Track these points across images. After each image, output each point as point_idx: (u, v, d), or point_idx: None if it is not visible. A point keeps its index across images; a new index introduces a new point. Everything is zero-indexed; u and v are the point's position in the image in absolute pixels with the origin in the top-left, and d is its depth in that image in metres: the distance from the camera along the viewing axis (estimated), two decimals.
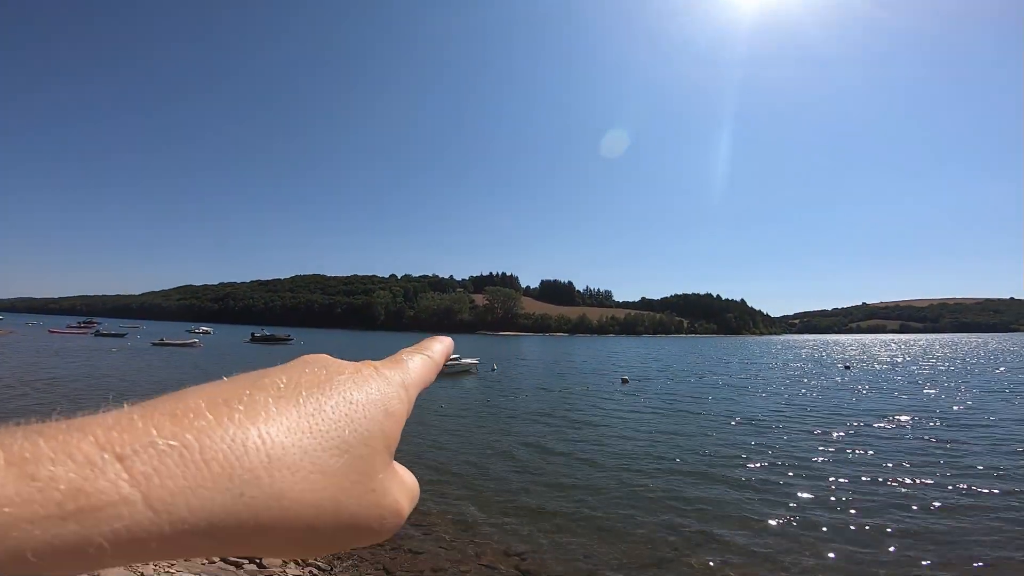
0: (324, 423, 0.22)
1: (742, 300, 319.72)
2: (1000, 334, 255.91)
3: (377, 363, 0.31)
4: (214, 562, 4.74)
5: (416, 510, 5.35)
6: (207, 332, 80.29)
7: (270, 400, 0.22)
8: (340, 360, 0.29)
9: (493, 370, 28.32)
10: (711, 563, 4.89)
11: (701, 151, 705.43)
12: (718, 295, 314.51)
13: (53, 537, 0.14)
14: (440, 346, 0.39)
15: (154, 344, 43.43)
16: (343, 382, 0.26)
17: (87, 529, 0.15)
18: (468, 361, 27.63)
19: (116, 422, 0.18)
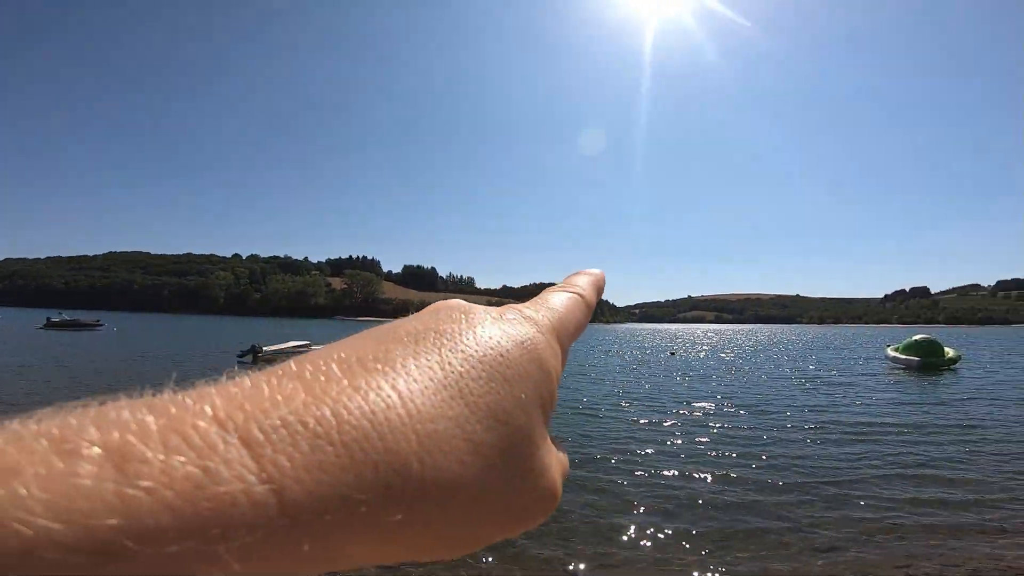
0: (476, 384, 0.18)
1: None
2: (788, 325, 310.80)
3: (522, 305, 0.25)
4: None
5: None
6: None
7: (409, 356, 0.17)
8: (477, 304, 0.24)
9: None
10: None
11: (561, 148, 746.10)
12: None
13: (166, 557, 0.11)
14: (587, 279, 0.32)
15: None
16: (490, 331, 0.20)
17: (207, 545, 0.11)
18: (320, 347, 26.01)
19: (239, 390, 0.14)
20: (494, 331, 0.20)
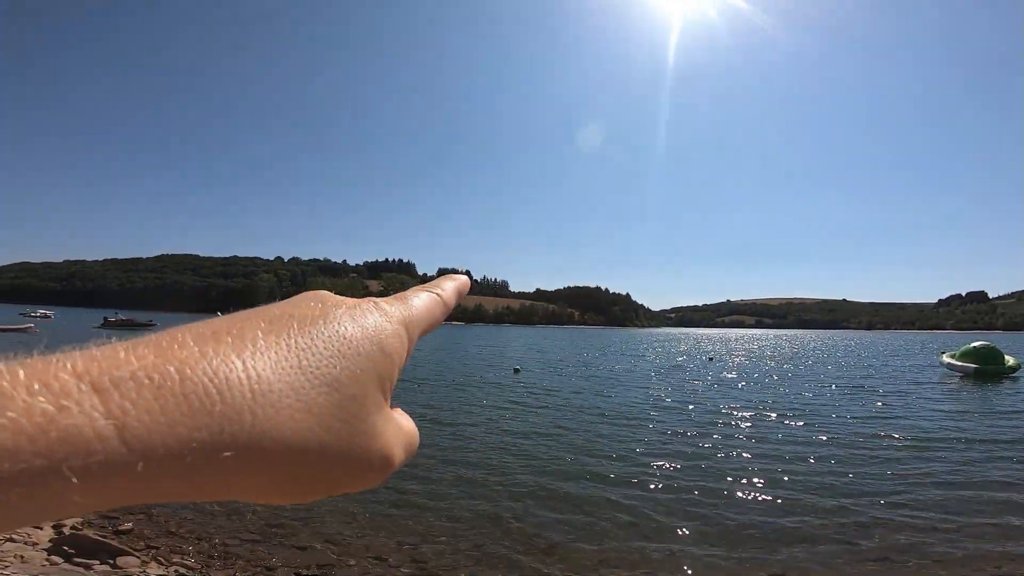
0: (314, 358, 0.21)
1: (627, 294, 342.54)
2: (834, 330, 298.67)
3: (379, 299, 0.29)
4: (56, 564, 4.26)
5: (300, 506, 5.13)
6: (46, 316, 69.49)
7: (259, 333, 0.21)
8: (339, 296, 0.28)
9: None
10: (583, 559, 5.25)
11: (596, 152, 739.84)
12: (606, 288, 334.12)
13: (20, 472, 0.13)
14: (452, 284, 0.36)
15: None
16: (339, 316, 0.24)
17: (56, 463, 0.14)
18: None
19: (98, 353, 0.17)
20: (342, 316, 0.24)
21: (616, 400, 14.53)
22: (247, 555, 4.93)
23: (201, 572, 4.55)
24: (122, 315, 62.01)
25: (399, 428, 0.26)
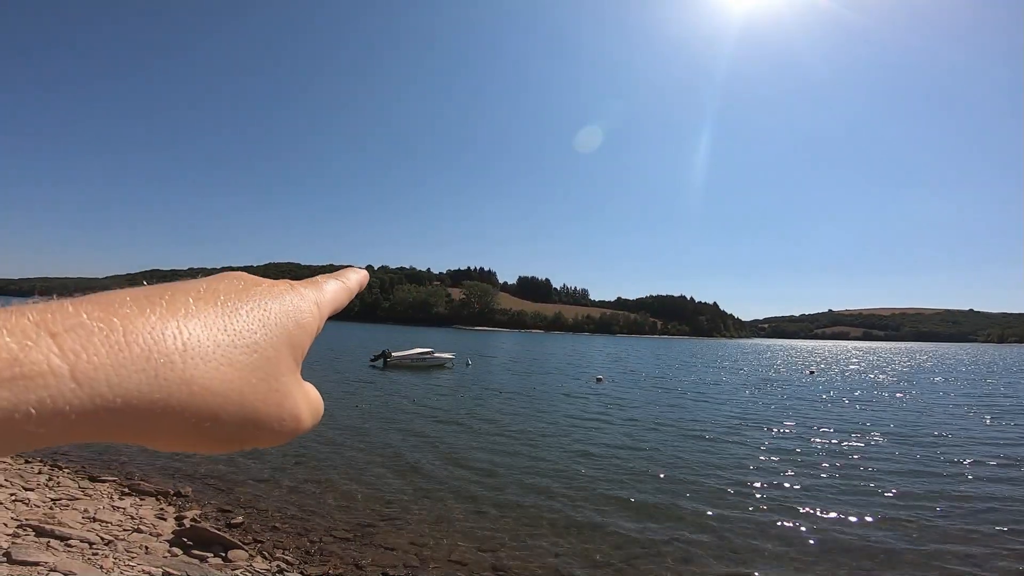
0: (238, 323, 0.24)
1: (714, 303, 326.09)
2: (959, 344, 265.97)
3: (294, 282, 0.33)
4: (176, 555, 4.67)
5: (389, 502, 5.33)
6: None
7: (190, 299, 0.23)
8: (256, 276, 0.31)
9: (467, 365, 28.22)
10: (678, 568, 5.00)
11: (681, 155, 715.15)
12: (691, 297, 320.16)
13: None
14: (356, 275, 0.42)
15: None
16: (260, 292, 0.27)
17: (16, 396, 0.16)
18: (442, 355, 27.45)
19: (51, 307, 0.19)
20: (263, 292, 0.28)
21: (703, 415, 13.76)
22: (340, 552, 5.18)
23: (299, 568, 4.81)
24: None
25: (307, 394, 0.29)
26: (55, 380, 0.16)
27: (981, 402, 17.47)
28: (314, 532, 5.57)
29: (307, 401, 0.28)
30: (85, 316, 0.19)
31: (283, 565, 4.78)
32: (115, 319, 0.19)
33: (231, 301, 0.25)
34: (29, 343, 0.17)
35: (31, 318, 0.18)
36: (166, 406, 0.19)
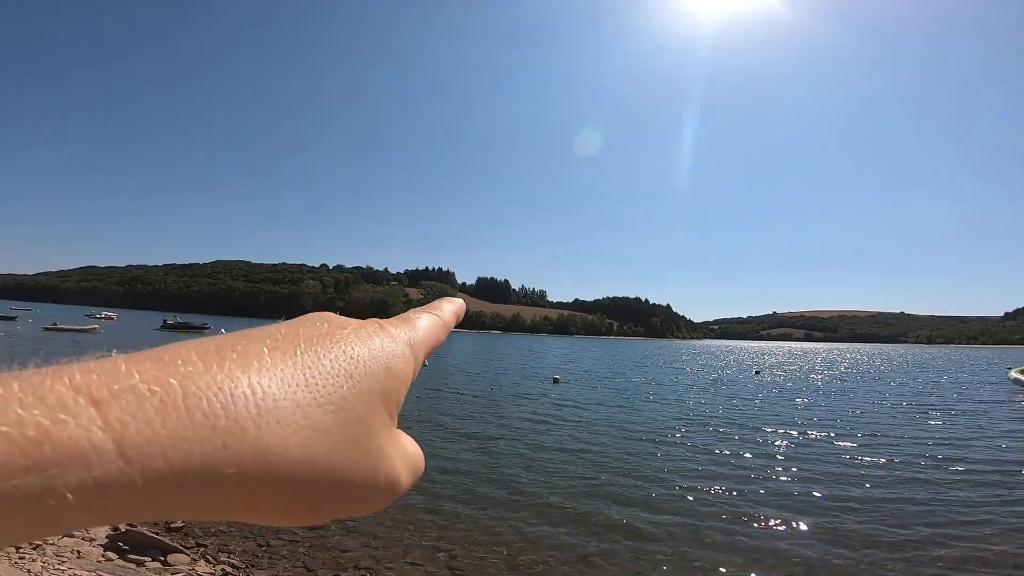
0: (321, 377, 0.21)
1: (668, 305, 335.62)
2: (891, 345, 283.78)
3: (383, 320, 0.29)
4: (111, 560, 4.44)
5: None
6: (110, 318, 73.72)
7: (265, 350, 0.20)
8: (344, 316, 0.27)
9: (424, 365, 27.82)
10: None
11: (638, 162, 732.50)
12: (646, 299, 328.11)
13: (13, 488, 0.13)
14: (450, 306, 0.36)
15: (46, 329, 39.04)
16: (345, 337, 0.24)
17: (50, 480, 0.13)
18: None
19: (97, 366, 0.16)
20: (348, 336, 0.24)
21: (652, 415, 14.17)
22: (289, 556, 5.04)
23: (245, 572, 4.66)
24: (179, 318, 65.27)
25: (405, 450, 0.25)
26: (97, 458, 0.14)
27: (910, 401, 18.67)
28: (261, 535, 5.40)
29: (405, 459, 0.25)
30: (137, 377, 0.16)
31: (228, 569, 4.63)
32: (173, 379, 0.16)
33: (312, 349, 0.22)
34: (65, 416, 0.14)
35: (70, 382, 0.15)
36: (238, 483, 0.17)
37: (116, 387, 0.15)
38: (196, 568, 4.54)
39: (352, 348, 0.23)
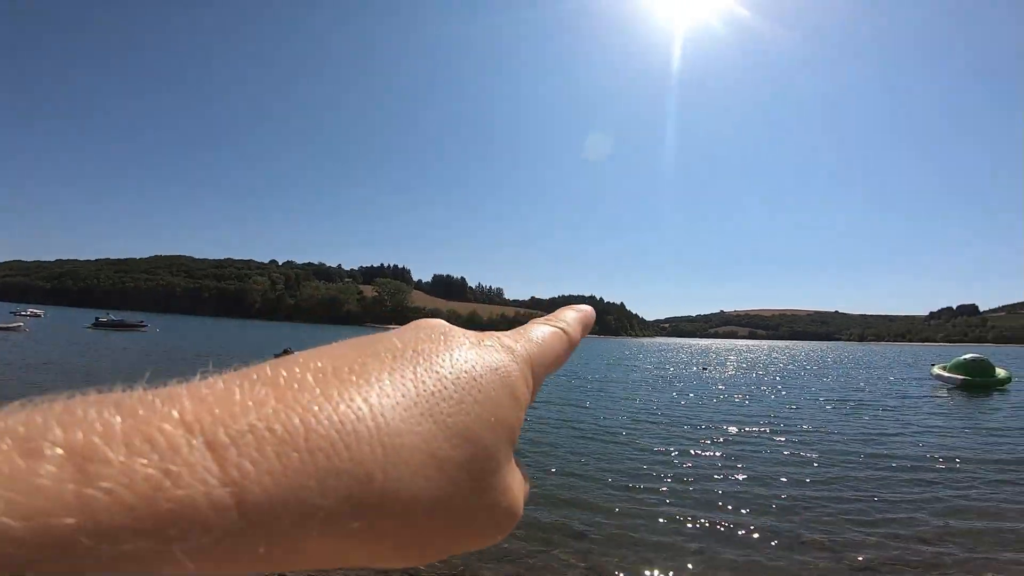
0: (447, 403, 0.18)
1: (621, 304, 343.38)
2: (827, 342, 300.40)
3: (503, 334, 0.26)
4: None
5: None
6: (36, 315, 68.78)
7: (385, 372, 0.18)
8: (460, 328, 0.25)
9: None
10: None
11: (591, 163, 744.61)
12: (600, 298, 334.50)
13: (122, 555, 0.11)
14: (575, 315, 0.32)
15: None
16: (466, 355, 0.21)
17: (163, 545, 0.11)
18: (299, 353, 26.35)
19: (210, 393, 0.14)
20: (470, 355, 0.21)
21: (600, 412, 14.41)
22: None
23: None
24: (113, 316, 61.35)
25: (522, 480, 0.23)
26: (217, 518, 0.12)
27: (841, 397, 19.70)
28: None
29: (522, 488, 0.23)
30: (255, 412, 0.14)
31: None
32: (294, 415, 0.14)
33: (433, 370, 0.19)
34: (179, 465, 0.12)
35: (181, 416, 0.13)
36: (360, 533, 0.15)
37: (234, 427, 0.13)
38: None
39: (474, 368, 0.21)
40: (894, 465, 8.74)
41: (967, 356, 22.69)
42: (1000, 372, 21.46)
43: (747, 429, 11.98)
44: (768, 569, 4.94)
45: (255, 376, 0.16)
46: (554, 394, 17.47)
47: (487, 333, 0.25)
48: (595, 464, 8.38)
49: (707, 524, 6.04)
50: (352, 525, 0.15)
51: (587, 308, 0.34)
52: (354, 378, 0.17)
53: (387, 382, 0.17)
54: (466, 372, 0.20)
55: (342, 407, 0.15)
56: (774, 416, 14.32)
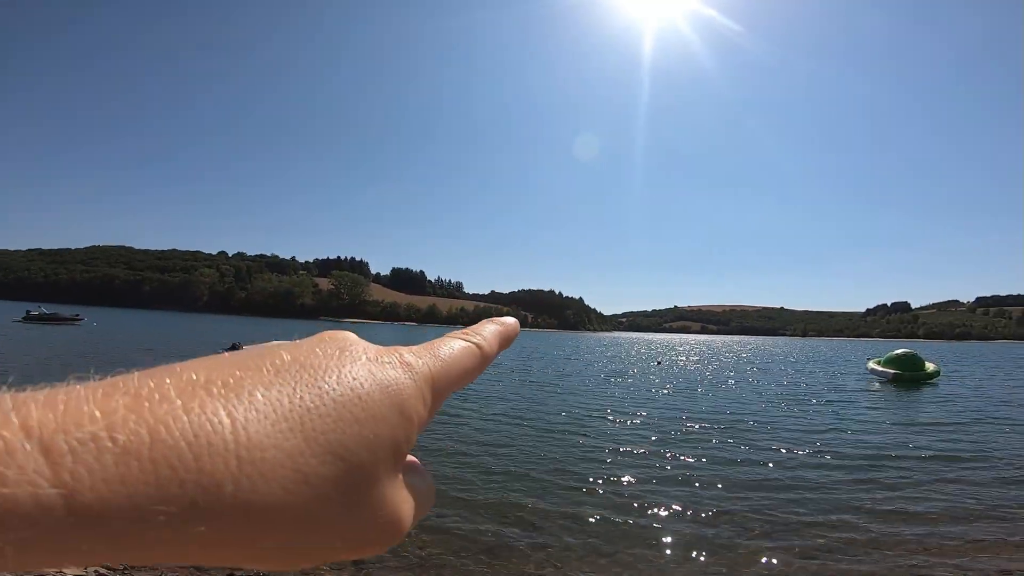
0: (321, 420, 0.18)
1: (580, 298, 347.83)
2: (772, 337, 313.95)
3: (406, 349, 0.25)
4: None
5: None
6: None
7: (259, 386, 0.18)
8: (364, 342, 0.24)
9: None
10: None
11: (554, 160, 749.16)
12: (560, 292, 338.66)
13: None
14: (494, 328, 0.31)
15: None
16: (356, 370, 0.21)
17: None
18: (181, 363, 25.39)
19: (63, 400, 0.14)
20: (360, 372, 0.21)
21: (556, 407, 14.45)
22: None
23: (123, 572, 4.21)
24: (45, 308, 57.22)
25: (409, 494, 0.23)
26: (43, 516, 0.13)
27: (784, 390, 20.51)
28: None
29: (409, 502, 0.23)
30: (101, 422, 0.14)
31: (102, 570, 4.17)
32: (142, 426, 0.15)
33: (315, 385, 0.19)
34: (9, 467, 0.12)
35: (24, 422, 0.13)
36: (209, 538, 0.15)
37: (75, 435, 0.14)
38: (64, 569, 4.04)
39: (361, 385, 0.21)
40: (827, 459, 8.91)
41: (899, 351, 24.03)
42: (929, 366, 22.82)
43: (692, 423, 12.15)
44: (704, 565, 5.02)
45: (120, 385, 0.16)
46: (508, 389, 17.48)
47: (390, 348, 0.25)
48: (538, 463, 8.28)
49: (645, 515, 6.07)
50: (197, 529, 0.15)
51: (510, 321, 0.33)
52: (224, 391, 0.17)
53: (259, 396, 0.17)
54: (351, 389, 0.20)
55: (200, 419, 0.16)
56: (720, 409, 14.67)
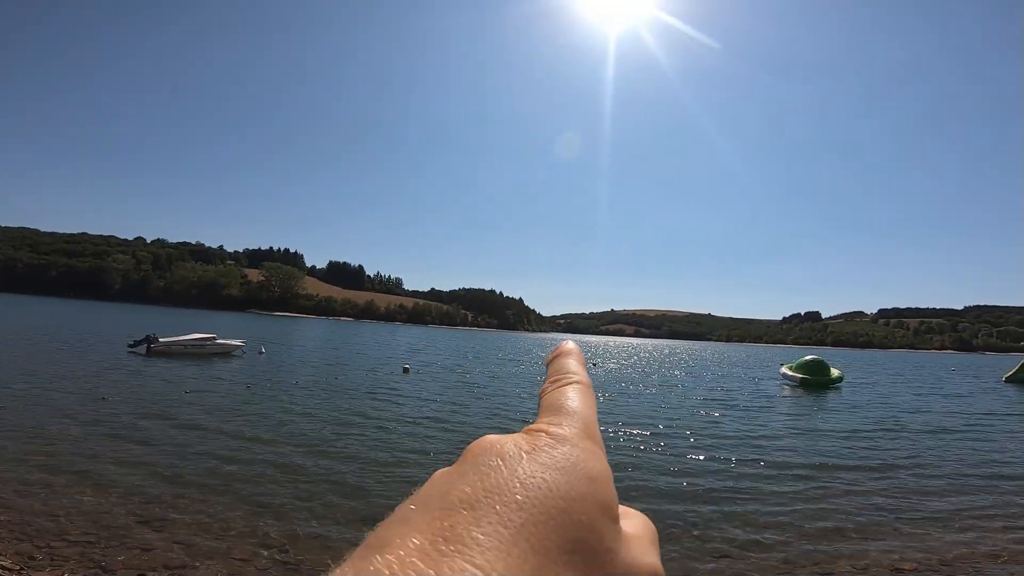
0: (538, 530, 0.18)
1: (520, 299, 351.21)
2: (699, 341, 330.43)
3: (544, 423, 0.25)
4: None
5: (148, 503, 4.73)
6: None
7: (474, 527, 0.18)
8: (505, 437, 0.24)
9: (261, 354, 25.62)
10: None
11: (494, 162, 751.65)
12: (500, 292, 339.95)
13: None
14: (575, 361, 0.33)
15: None
16: (530, 469, 0.21)
17: None
18: (229, 342, 24.42)
19: None
20: (534, 468, 0.21)
21: (488, 408, 14.68)
22: (78, 556, 4.46)
23: (20, 573, 4.03)
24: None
25: (640, 539, 0.23)
26: None
27: (706, 393, 21.56)
28: (40, 537, 4.70)
29: (644, 545, 0.23)
30: None
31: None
32: None
33: (512, 502, 0.19)
34: None
35: None
36: None
37: None
38: None
39: (546, 478, 0.20)
40: (734, 459, 9.28)
41: (808, 357, 26.33)
42: (834, 372, 25.20)
43: (622, 427, 12.44)
44: None
45: (371, 569, 0.16)
46: (446, 394, 17.54)
47: (532, 430, 0.25)
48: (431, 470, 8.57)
49: None
50: None
51: (573, 345, 0.35)
52: (453, 547, 0.17)
53: (480, 536, 0.17)
54: (539, 487, 0.20)
55: None
56: (646, 411, 15.20)
